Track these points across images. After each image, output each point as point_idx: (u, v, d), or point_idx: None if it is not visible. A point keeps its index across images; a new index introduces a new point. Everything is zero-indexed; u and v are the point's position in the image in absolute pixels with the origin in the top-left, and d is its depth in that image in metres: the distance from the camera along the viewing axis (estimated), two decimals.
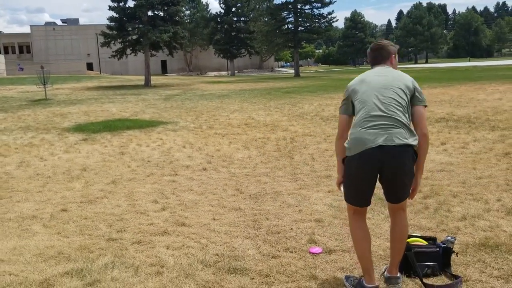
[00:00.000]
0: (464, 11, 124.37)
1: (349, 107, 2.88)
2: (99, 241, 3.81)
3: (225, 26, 62.97)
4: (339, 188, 2.98)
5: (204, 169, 6.34)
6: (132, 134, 9.63)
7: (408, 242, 3.05)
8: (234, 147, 7.94)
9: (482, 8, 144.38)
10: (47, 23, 77.94)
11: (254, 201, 4.80)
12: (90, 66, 67.09)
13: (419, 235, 3.37)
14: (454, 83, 21.28)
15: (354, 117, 2.86)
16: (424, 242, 3.22)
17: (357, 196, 2.82)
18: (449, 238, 3.25)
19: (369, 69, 3.02)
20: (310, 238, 3.70)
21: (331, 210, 4.38)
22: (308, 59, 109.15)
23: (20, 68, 53.32)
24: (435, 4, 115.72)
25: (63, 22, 78.35)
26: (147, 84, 32.50)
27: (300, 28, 48.42)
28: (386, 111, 2.67)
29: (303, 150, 7.40)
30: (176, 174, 6.10)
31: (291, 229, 3.95)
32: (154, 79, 37.31)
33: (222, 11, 64.01)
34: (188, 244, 3.69)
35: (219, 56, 66.14)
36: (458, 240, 3.48)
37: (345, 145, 2.80)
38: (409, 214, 4.18)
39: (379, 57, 2.99)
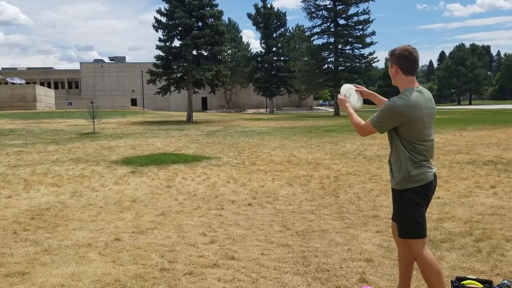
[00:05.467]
0: (509, 52, 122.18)
1: (388, 128, 2.93)
2: (152, 270, 3.93)
3: (266, 65, 64.35)
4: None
5: (250, 205, 6.43)
6: (177, 168, 9.88)
7: (463, 285, 3.02)
8: (278, 183, 8.01)
9: None
10: (96, 61, 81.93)
11: (302, 238, 4.82)
12: (134, 102, 69.61)
13: (474, 277, 3.31)
14: (501, 126, 20.77)
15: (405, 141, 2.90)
16: (480, 285, 3.17)
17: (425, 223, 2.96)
18: (505, 281, 3.19)
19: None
20: (361, 277, 3.69)
21: (381, 250, 4.35)
22: None
23: (69, 103, 55.98)
24: (478, 45, 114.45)
25: (110, 60, 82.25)
26: (189, 120, 33.32)
27: (340, 68, 48.67)
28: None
29: (348, 189, 7.39)
30: (223, 209, 6.21)
31: (341, 267, 3.95)
32: (196, 115, 38.22)
33: (263, 50, 65.60)
34: (239, 278, 3.75)
35: (258, 94, 67.30)
36: None
37: (416, 173, 2.88)
38: (461, 257, 4.12)
39: (416, 67, 2.95)
